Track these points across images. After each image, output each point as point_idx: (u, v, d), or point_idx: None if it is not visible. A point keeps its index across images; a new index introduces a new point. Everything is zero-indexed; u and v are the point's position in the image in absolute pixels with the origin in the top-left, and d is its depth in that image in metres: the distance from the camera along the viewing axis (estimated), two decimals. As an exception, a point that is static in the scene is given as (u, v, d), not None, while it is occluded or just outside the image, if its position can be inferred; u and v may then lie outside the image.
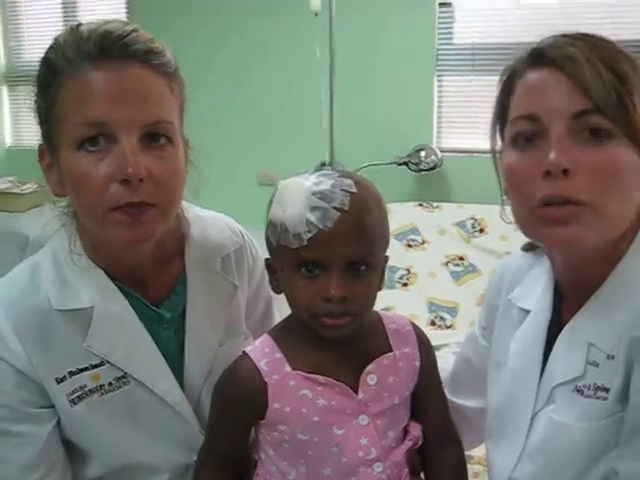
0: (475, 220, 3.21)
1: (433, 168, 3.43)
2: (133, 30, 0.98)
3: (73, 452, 1.10)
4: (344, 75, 3.13)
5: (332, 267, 0.96)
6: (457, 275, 3.07)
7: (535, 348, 1.04)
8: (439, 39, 3.49)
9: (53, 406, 1.05)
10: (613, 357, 0.91)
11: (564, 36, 0.94)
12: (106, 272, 1.08)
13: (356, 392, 1.02)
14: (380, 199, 1.03)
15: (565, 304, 1.04)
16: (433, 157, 3.43)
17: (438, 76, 3.54)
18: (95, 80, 0.95)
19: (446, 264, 3.12)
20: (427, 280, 3.05)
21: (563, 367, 0.98)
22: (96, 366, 1.05)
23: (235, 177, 3.74)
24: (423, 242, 3.19)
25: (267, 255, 1.06)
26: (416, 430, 1.09)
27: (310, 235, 0.94)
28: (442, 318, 2.93)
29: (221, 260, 1.19)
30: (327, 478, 1.02)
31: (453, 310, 2.95)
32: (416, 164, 3.42)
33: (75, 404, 1.05)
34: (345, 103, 3.18)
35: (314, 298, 0.97)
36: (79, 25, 0.99)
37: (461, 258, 3.13)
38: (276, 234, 0.98)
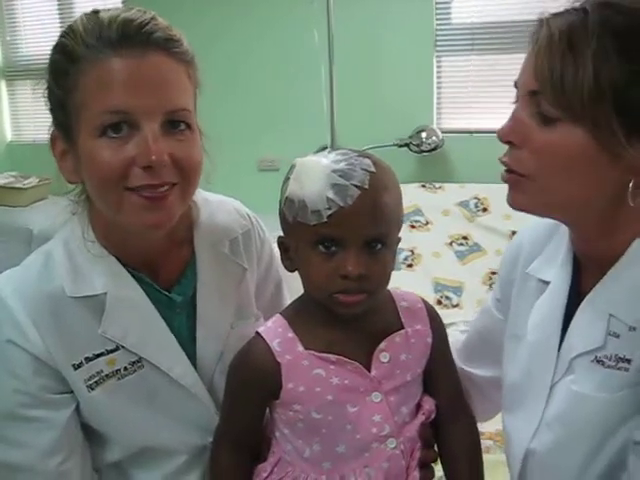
0: (478, 199, 3.22)
1: (434, 149, 3.44)
2: (152, 18, 0.99)
3: (92, 436, 1.12)
4: (343, 58, 3.13)
5: (350, 244, 0.97)
6: (461, 255, 3.09)
7: (554, 320, 1.04)
8: (437, 19, 3.49)
9: (71, 391, 1.06)
10: (635, 328, 0.91)
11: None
12: (118, 259, 1.09)
13: (369, 370, 1.03)
14: (396, 180, 1.03)
15: (584, 275, 1.04)
16: (434, 138, 3.44)
17: (437, 56, 3.54)
18: (117, 67, 0.95)
19: (450, 244, 3.13)
20: (432, 260, 3.06)
21: (583, 338, 0.98)
22: (112, 351, 1.07)
23: (235, 163, 3.74)
24: (427, 223, 3.21)
25: (274, 237, 1.07)
26: (429, 404, 1.10)
27: (330, 212, 0.94)
28: (448, 297, 2.95)
29: (229, 243, 1.20)
30: (341, 455, 1.03)
31: (458, 289, 2.97)
32: (417, 145, 3.43)
33: (93, 389, 1.06)
34: (345, 86, 3.18)
35: (331, 275, 0.98)
36: (97, 12, 0.99)
37: (465, 238, 3.14)
38: (293, 211, 0.98)
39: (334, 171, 0.95)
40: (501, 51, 3.39)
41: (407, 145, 3.43)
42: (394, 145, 3.40)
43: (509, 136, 0.96)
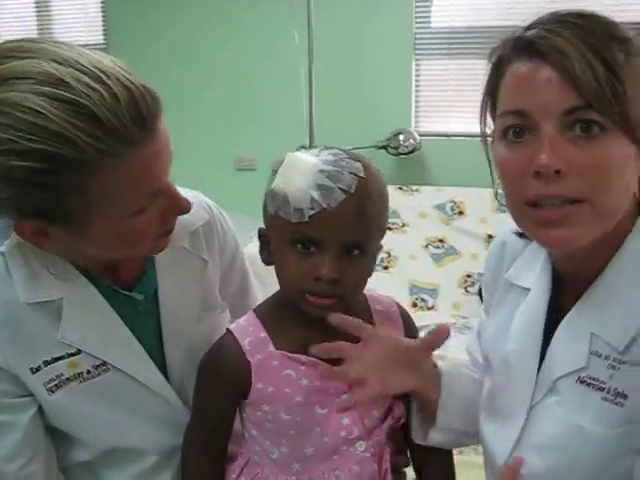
0: (454, 203, 3.24)
1: (412, 152, 3.46)
2: (144, 88, 0.90)
3: (59, 437, 1.10)
4: (323, 60, 3.13)
5: (328, 247, 0.96)
6: (437, 257, 3.11)
7: (534, 331, 1.01)
8: (417, 23, 3.50)
9: (32, 394, 1.05)
10: (637, 364, 0.88)
11: (552, 21, 0.89)
12: (73, 263, 1.06)
13: None
14: (385, 187, 1.02)
15: (564, 286, 1.02)
16: (412, 141, 3.46)
17: (416, 60, 3.56)
18: (143, 158, 0.90)
19: (426, 246, 3.15)
20: (408, 263, 3.08)
21: (564, 358, 0.95)
22: (72, 355, 1.05)
23: (213, 162, 3.74)
24: (403, 225, 3.22)
25: (251, 237, 1.06)
26: (399, 409, 1.09)
27: (312, 212, 0.94)
28: (423, 300, 2.97)
29: (189, 236, 1.18)
30: (310, 457, 1.03)
31: (434, 292, 2.99)
32: (395, 148, 3.45)
33: (53, 392, 1.04)
34: (324, 88, 3.18)
35: (305, 275, 0.97)
36: (90, 112, 0.85)
37: (441, 240, 3.16)
38: (276, 204, 0.97)
39: (321, 171, 0.95)
40: (479, 56, 3.41)
41: (385, 147, 3.44)
42: (372, 147, 3.41)
43: (557, 164, 0.85)
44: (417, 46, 3.53)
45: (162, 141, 0.93)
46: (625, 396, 0.88)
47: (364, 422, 1.04)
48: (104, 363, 1.06)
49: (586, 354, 0.92)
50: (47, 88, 0.83)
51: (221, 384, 1.05)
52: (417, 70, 3.57)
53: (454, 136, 3.49)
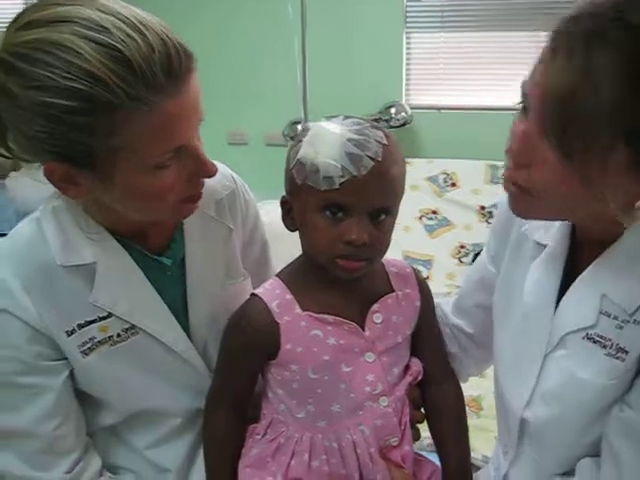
0: (447, 175, 3.28)
1: (403, 124, 3.49)
2: (179, 43, 0.94)
3: (87, 402, 1.14)
4: (315, 34, 3.13)
5: (357, 212, 0.99)
6: (431, 228, 3.16)
7: (550, 286, 1.06)
8: (408, -4, 3.51)
9: (65, 358, 1.08)
10: (638, 322, 0.93)
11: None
12: (107, 228, 1.09)
13: (363, 331, 1.06)
14: (402, 153, 1.05)
15: (581, 247, 1.05)
16: (403, 114, 3.48)
17: (407, 33, 3.57)
18: (171, 110, 0.92)
19: (420, 218, 3.19)
20: (402, 234, 3.11)
21: (575, 315, 1.00)
22: (104, 318, 1.08)
23: (205, 136, 3.72)
24: (397, 197, 3.25)
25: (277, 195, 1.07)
26: (417, 365, 1.14)
27: (342, 180, 0.96)
28: (418, 270, 2.99)
29: (215, 205, 1.21)
30: (336, 414, 1.07)
31: (428, 262, 3.04)
32: (387, 121, 3.47)
33: (87, 355, 1.07)
34: (316, 61, 3.18)
35: (335, 240, 1.00)
36: (117, 49, 0.88)
37: (434, 212, 3.20)
38: (303, 174, 0.99)
39: (349, 140, 0.97)
40: (470, 29, 3.45)
41: (376, 120, 3.44)
42: (363, 117, 3.42)
43: (518, 158, 0.91)
44: (408, 19, 3.55)
45: (191, 96, 0.94)
46: (627, 352, 0.94)
47: (387, 379, 1.08)
48: (133, 327, 1.10)
49: (596, 313, 0.97)
50: (88, 32, 0.87)
51: (249, 346, 1.08)
52: (408, 43, 3.60)
53: (445, 109, 3.52)
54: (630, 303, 0.94)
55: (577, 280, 1.02)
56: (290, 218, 1.07)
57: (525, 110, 0.90)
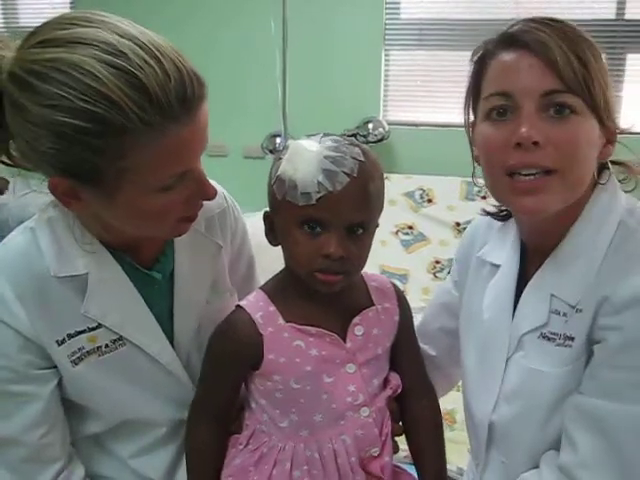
0: (423, 190, 3.32)
1: (380, 140, 3.52)
2: (193, 72, 0.96)
3: (72, 410, 1.14)
4: (297, 48, 3.16)
5: (334, 227, 1.02)
6: (407, 243, 3.19)
7: (506, 299, 1.15)
8: (387, 14, 3.57)
9: (55, 367, 1.08)
10: (581, 310, 1.01)
11: (532, 21, 1.03)
12: (100, 241, 1.10)
13: (344, 342, 1.09)
14: (381, 170, 1.08)
15: (530, 260, 1.15)
16: (381, 129, 3.52)
17: (386, 50, 3.62)
18: (182, 136, 0.94)
19: (396, 233, 3.23)
20: (378, 248, 3.12)
21: (529, 316, 1.09)
22: (93, 329, 1.09)
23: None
24: (373, 212, 3.28)
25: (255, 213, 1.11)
26: (395, 380, 1.17)
27: (319, 195, 0.99)
28: (397, 287, 3.03)
29: (205, 221, 1.23)
30: (318, 423, 1.09)
31: (404, 277, 3.07)
32: (364, 136, 3.50)
33: (76, 364, 1.08)
34: (296, 76, 3.21)
35: (314, 254, 1.02)
36: (134, 75, 0.89)
37: (410, 227, 3.24)
38: (283, 190, 1.02)
39: (326, 157, 1.00)
40: (448, 47, 3.50)
41: (354, 135, 3.47)
42: (341, 135, 3.44)
43: (536, 136, 0.97)
44: (387, 37, 3.60)
45: (201, 125, 0.96)
46: (572, 338, 1.02)
47: (367, 389, 1.10)
48: (120, 338, 1.11)
49: (547, 312, 1.06)
50: (107, 56, 0.88)
51: (234, 355, 1.09)
52: (386, 60, 3.64)
53: (422, 125, 3.57)
54: (574, 296, 1.03)
55: (528, 285, 1.11)
56: (272, 233, 1.10)
57: (504, 113, 1.01)
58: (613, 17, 3.25)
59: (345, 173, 0.99)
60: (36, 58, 0.90)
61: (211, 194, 1.05)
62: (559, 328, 1.04)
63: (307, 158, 1.00)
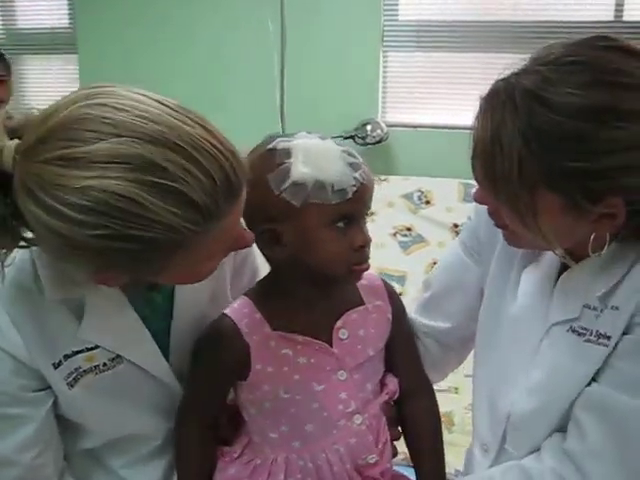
0: (422, 192, 3.30)
1: (379, 142, 3.50)
2: (232, 161, 0.87)
3: (67, 427, 1.13)
4: (295, 50, 3.16)
5: (360, 217, 1.03)
6: (405, 245, 3.17)
7: (545, 289, 1.10)
8: (385, 16, 3.55)
9: (49, 387, 1.07)
10: (617, 308, 0.99)
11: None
12: None
13: (332, 348, 1.07)
14: None
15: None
16: (379, 131, 3.50)
17: (384, 52, 3.61)
18: (229, 221, 0.90)
19: (394, 235, 3.21)
20: (376, 250, 3.06)
21: (562, 308, 1.06)
22: (91, 349, 1.07)
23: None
24: (371, 214, 3.27)
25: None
26: (393, 384, 1.15)
27: (355, 189, 0.98)
28: (388, 282, 3.01)
29: None
30: (310, 434, 1.07)
31: (402, 279, 3.05)
32: (362, 138, 3.48)
33: (72, 386, 1.06)
34: (294, 78, 3.20)
35: (348, 249, 1.01)
36: (181, 193, 0.82)
37: (409, 229, 3.22)
38: (302, 194, 0.97)
39: (343, 151, 1.00)
40: (446, 49, 3.49)
41: (352, 137, 3.48)
42: (339, 137, 3.44)
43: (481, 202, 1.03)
44: (385, 38, 3.58)
45: (242, 199, 0.91)
46: (608, 337, 0.99)
47: (360, 396, 1.08)
48: (118, 356, 1.09)
49: (580, 306, 1.03)
50: (140, 175, 0.79)
51: (220, 366, 1.07)
52: (385, 62, 3.63)
53: (420, 127, 3.56)
54: (607, 294, 1.00)
55: (563, 275, 1.07)
56: (281, 246, 1.03)
57: None
58: (611, 19, 3.25)
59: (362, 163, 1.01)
60: (63, 183, 0.79)
61: (249, 243, 1.00)
62: (590, 324, 1.01)
63: (330, 157, 0.99)
